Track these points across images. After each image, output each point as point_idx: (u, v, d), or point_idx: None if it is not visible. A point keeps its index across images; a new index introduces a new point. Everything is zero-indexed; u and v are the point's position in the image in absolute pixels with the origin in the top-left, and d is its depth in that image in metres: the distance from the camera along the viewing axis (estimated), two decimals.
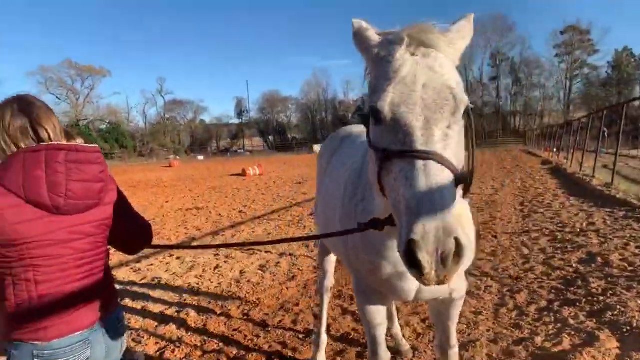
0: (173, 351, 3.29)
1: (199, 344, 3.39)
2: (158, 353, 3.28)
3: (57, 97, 70.29)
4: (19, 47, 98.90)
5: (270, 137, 73.07)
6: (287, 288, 4.55)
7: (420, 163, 1.12)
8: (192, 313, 4.01)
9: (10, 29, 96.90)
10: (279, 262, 5.47)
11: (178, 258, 5.92)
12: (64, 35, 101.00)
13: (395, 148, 1.17)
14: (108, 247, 1.68)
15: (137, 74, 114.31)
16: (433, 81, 1.21)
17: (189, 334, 3.59)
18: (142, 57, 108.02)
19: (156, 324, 3.82)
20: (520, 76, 59.47)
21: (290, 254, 5.78)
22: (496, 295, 3.97)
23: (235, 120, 76.29)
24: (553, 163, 17.50)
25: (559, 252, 5.15)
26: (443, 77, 1.22)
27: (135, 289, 4.83)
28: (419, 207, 1.06)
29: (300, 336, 3.43)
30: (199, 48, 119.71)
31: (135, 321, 3.90)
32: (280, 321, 3.73)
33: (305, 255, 5.72)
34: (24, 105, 1.53)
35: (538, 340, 3.06)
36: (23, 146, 1.47)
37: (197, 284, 4.86)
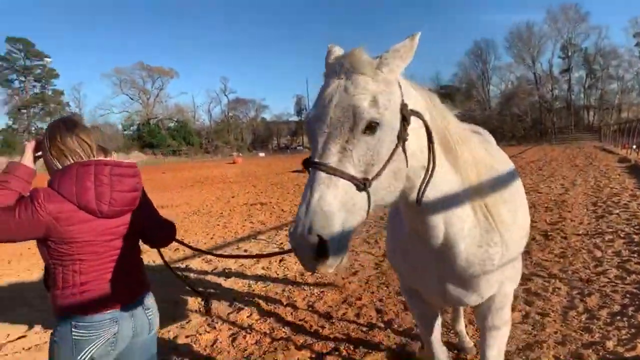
0: (244, 337, 3.53)
1: (267, 332, 3.61)
2: (231, 338, 3.54)
3: (130, 97, 74.93)
4: (97, 49, 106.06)
5: None
6: (349, 282, 4.69)
7: (313, 172, 1.32)
8: (261, 302, 4.26)
9: (86, 31, 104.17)
10: None
11: (245, 250, 6.24)
12: (136, 36, 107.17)
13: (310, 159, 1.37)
14: (138, 243, 2.03)
15: (203, 74, 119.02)
16: (343, 101, 1.35)
17: (259, 322, 3.82)
18: (207, 58, 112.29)
19: (228, 311, 4.11)
20: (594, 68, 55.59)
21: (352, 250, 5.91)
22: (565, 298, 3.88)
23: (295, 118, 77.51)
24: (632, 161, 16.31)
25: (635, 255, 4.89)
26: (353, 97, 1.35)
27: (208, 278, 5.18)
28: (298, 209, 1.29)
29: (364, 329, 3.55)
30: (261, 48, 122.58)
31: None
32: (344, 314, 3.88)
33: (367, 252, 5.82)
34: (70, 125, 1.90)
35: (609, 344, 2.98)
36: (71, 160, 1.82)
37: (264, 275, 5.12)
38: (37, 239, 1.77)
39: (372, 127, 1.36)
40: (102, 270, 1.85)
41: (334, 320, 3.74)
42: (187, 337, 3.60)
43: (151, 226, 2.07)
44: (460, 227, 1.69)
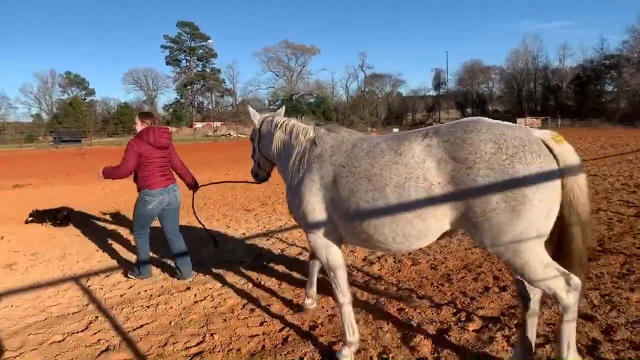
0: (375, 285, 4.30)
1: (395, 282, 4.33)
2: (365, 284, 4.33)
3: (275, 75, 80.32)
4: (250, 30, 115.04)
5: (469, 110, 70.15)
6: (472, 253, 5.14)
7: None
8: (390, 260, 4.98)
9: (243, 13, 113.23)
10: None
11: None
12: (283, 16, 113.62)
13: None
14: (169, 163, 4.91)
15: (342, 51, 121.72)
16: None
17: (387, 275, 4.56)
18: (347, 35, 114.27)
19: (363, 264, 4.92)
20: None
21: None
22: None
23: (432, 93, 75.42)
24: None
25: None
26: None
27: None
28: None
29: (480, 290, 4.04)
30: (399, 22, 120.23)
31: (349, 260, 5.06)
32: (463, 277, 4.39)
33: None
34: (145, 114, 4.92)
35: None
36: (145, 126, 4.75)
37: None
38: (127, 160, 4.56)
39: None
40: (156, 169, 4.68)
41: (453, 281, 4.29)
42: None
43: (174, 158, 5.02)
44: None
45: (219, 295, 4.29)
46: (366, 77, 77.03)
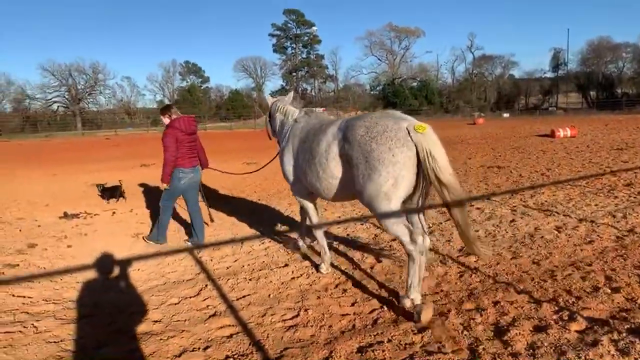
0: (470, 275, 4.20)
1: (491, 275, 4.19)
2: (459, 275, 4.25)
3: (378, 59, 79.42)
4: (352, 14, 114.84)
5: (592, 93, 63.11)
6: (581, 250, 4.75)
7: None
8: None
9: (342, 0, 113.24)
10: (577, 226, 5.57)
11: (478, 208, 6.74)
12: None
13: None
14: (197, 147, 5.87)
15: (449, 32, 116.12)
16: None
17: (483, 267, 4.41)
18: (454, 15, 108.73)
19: (458, 254, 4.82)
20: None
21: (592, 221, 5.75)
22: None
23: (550, 75, 69.05)
24: None
25: None
26: None
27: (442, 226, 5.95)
28: None
29: (587, 289, 3.75)
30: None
31: (444, 250, 4.99)
32: (569, 274, 4.09)
33: (609, 224, 5.59)
34: (165, 108, 5.86)
35: None
36: (172, 117, 5.68)
37: (494, 232, 5.58)
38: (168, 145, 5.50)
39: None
40: (186, 151, 5.62)
41: (557, 278, 4.03)
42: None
43: (201, 153, 5.96)
44: None
45: (313, 273, 4.51)
46: (474, 59, 72.88)
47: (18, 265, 5.14)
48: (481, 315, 3.39)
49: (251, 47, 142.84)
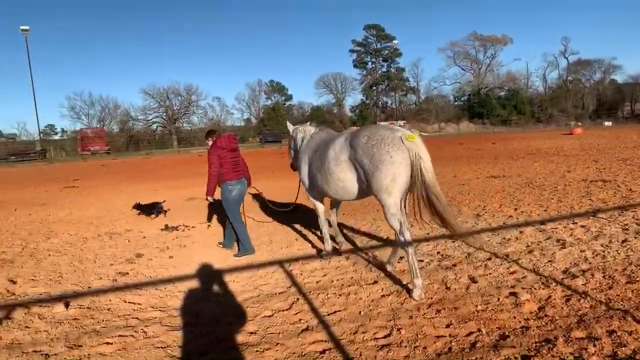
0: (578, 300, 3.85)
1: (604, 300, 3.80)
2: (565, 299, 3.92)
3: (461, 69, 77.16)
4: (434, 25, 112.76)
5: None
6: None
7: None
8: (597, 275, 4.37)
9: (423, 13, 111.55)
10: None
11: (583, 226, 6.20)
12: (470, 8, 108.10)
13: None
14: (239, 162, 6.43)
15: (539, 38, 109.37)
16: None
17: (593, 292, 4.02)
18: (545, 19, 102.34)
19: (563, 276, 4.45)
20: None
21: None
22: None
23: None
24: None
25: None
26: None
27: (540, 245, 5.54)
28: None
29: None
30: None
31: (546, 271, 4.64)
32: None
33: None
34: (209, 132, 6.56)
35: None
36: (211, 139, 6.42)
37: (603, 253, 5.08)
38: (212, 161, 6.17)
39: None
40: (230, 167, 6.19)
41: None
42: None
43: (243, 168, 6.47)
44: None
45: (404, 292, 4.41)
46: (569, 64, 68.09)
47: (128, 273, 5.62)
48: (594, 346, 3.09)
49: (332, 63, 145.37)
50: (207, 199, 6.29)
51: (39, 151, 52.37)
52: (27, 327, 4.03)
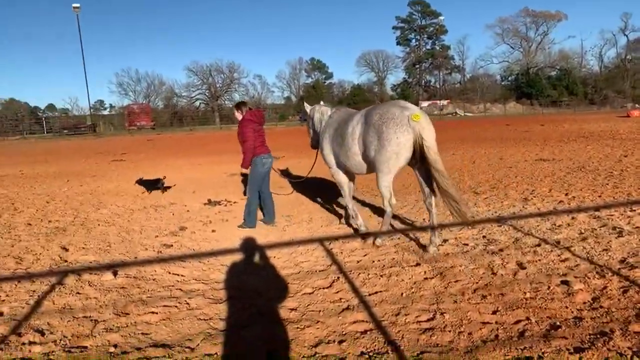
0: (638, 292, 3.61)
1: None
2: (622, 290, 3.69)
3: (510, 47, 73.96)
4: (479, 1, 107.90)
5: None
6: None
7: None
8: None
9: None
10: None
11: None
12: None
13: None
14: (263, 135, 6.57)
15: (596, 13, 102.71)
16: None
17: None
18: None
19: (620, 266, 4.19)
20: None
21: None
22: None
23: None
24: None
25: None
26: None
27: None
28: None
29: None
30: None
31: (601, 260, 4.39)
32: None
33: None
34: (240, 104, 6.61)
35: None
36: (240, 112, 6.47)
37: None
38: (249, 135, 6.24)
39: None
40: (262, 141, 6.42)
41: None
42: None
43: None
44: None
45: (447, 275, 4.29)
46: (629, 42, 63.71)
47: (172, 245, 5.76)
48: None
49: (374, 41, 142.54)
50: (243, 171, 6.61)
51: (89, 125, 54.71)
52: (78, 293, 4.21)
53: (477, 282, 4.09)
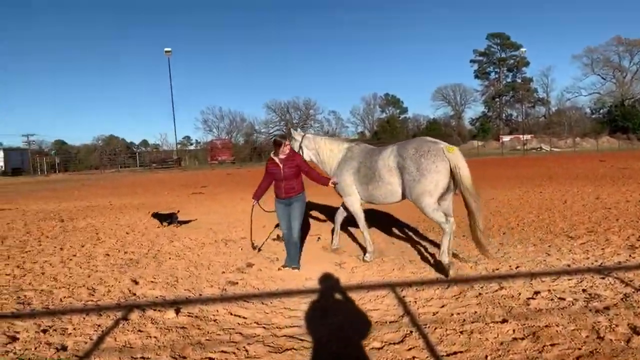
0: None
1: None
2: None
3: (601, 77, 69.12)
4: (568, 31, 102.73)
5: None
6: None
7: None
8: None
9: (553, 18, 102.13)
10: None
11: None
12: (611, 9, 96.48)
13: None
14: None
15: None
16: None
17: None
18: None
19: None
20: None
21: None
22: None
23: None
24: None
25: None
26: None
27: None
28: None
29: None
30: None
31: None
32: None
33: None
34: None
35: None
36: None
37: None
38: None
39: None
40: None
41: None
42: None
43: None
44: None
45: (542, 336, 3.64)
46: None
47: (237, 283, 5.60)
48: None
49: (450, 75, 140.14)
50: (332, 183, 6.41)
51: (176, 159, 58.47)
52: (140, 330, 4.11)
53: (579, 348, 3.42)
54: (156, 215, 10.30)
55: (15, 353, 3.68)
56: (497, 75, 78.70)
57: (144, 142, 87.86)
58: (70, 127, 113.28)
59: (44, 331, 4.13)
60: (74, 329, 4.19)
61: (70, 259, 7.02)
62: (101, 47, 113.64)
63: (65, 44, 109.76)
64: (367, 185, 6.02)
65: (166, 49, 56.20)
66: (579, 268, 5.48)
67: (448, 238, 5.42)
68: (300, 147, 6.85)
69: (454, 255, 6.09)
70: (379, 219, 9.63)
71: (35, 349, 3.76)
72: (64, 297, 5.16)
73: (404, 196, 5.75)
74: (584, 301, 4.36)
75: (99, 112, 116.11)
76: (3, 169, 51.36)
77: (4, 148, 57.52)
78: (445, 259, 5.42)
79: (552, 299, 4.47)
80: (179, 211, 10.62)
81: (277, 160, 6.07)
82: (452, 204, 5.85)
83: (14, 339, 3.97)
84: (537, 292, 4.67)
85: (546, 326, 3.81)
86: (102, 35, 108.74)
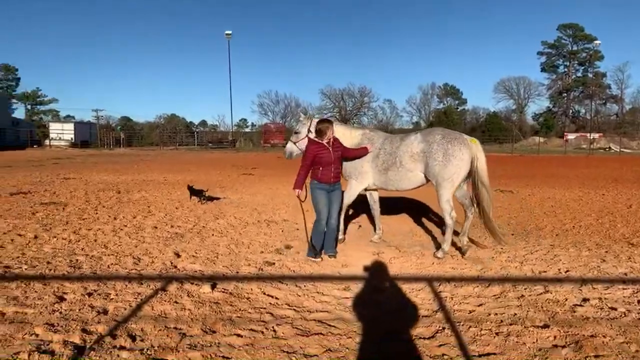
0: None
1: None
2: None
3: None
4: None
5: None
6: None
7: None
8: None
9: (634, 9, 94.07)
10: None
11: None
12: None
13: None
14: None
15: None
16: None
17: None
18: None
19: None
20: None
21: None
22: None
23: None
24: None
25: None
26: None
27: None
28: None
29: None
30: None
31: None
32: None
33: None
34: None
35: None
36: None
37: None
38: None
39: None
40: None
41: None
42: None
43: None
44: None
45: (586, 346, 3.39)
46: None
47: (274, 264, 5.65)
48: None
49: (514, 66, 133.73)
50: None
51: (231, 141, 59.98)
52: (176, 302, 4.24)
53: (615, 356, 3.16)
54: (189, 188, 10.91)
55: (61, 312, 3.92)
56: (566, 69, 74.22)
57: (203, 123, 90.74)
58: (136, 104, 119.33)
59: (89, 294, 4.37)
60: (116, 294, 4.39)
61: (121, 229, 7.38)
62: (168, 28, 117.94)
63: (134, 29, 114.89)
64: (387, 172, 6.13)
65: (227, 32, 57.30)
66: (636, 278, 5.07)
67: (449, 230, 5.91)
68: (309, 130, 6.49)
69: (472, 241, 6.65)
70: (426, 212, 9.40)
71: (80, 310, 3.98)
72: (111, 264, 5.43)
73: (422, 183, 6.07)
74: (638, 313, 4.03)
75: (163, 91, 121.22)
76: (73, 140, 54.80)
77: (75, 121, 61.46)
78: (446, 247, 5.96)
79: (601, 308, 4.16)
80: (207, 189, 11.34)
81: (325, 143, 5.89)
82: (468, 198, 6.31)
83: (61, 299, 4.23)
84: (585, 299, 4.37)
85: (592, 336, 3.56)
86: (170, 20, 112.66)
